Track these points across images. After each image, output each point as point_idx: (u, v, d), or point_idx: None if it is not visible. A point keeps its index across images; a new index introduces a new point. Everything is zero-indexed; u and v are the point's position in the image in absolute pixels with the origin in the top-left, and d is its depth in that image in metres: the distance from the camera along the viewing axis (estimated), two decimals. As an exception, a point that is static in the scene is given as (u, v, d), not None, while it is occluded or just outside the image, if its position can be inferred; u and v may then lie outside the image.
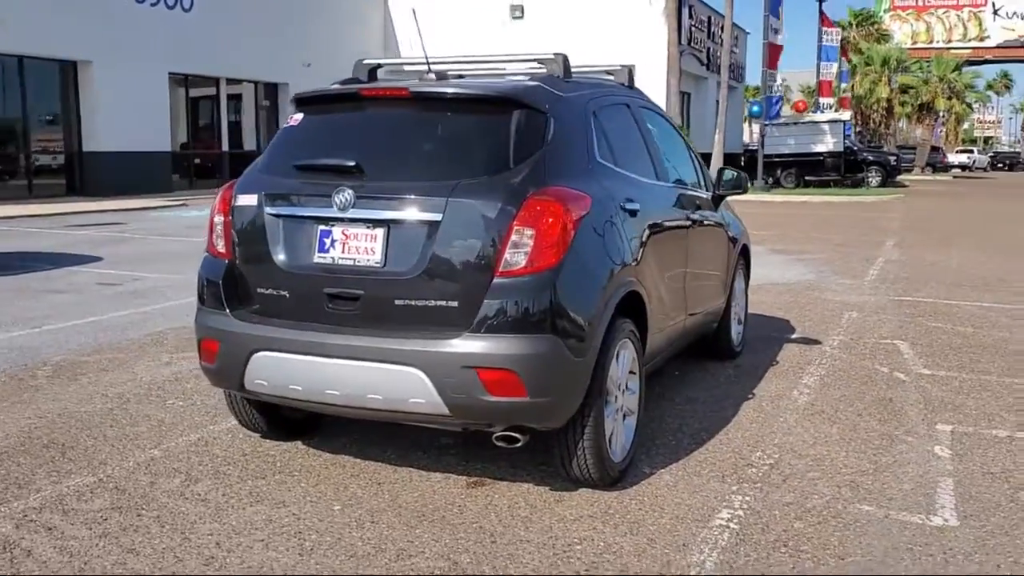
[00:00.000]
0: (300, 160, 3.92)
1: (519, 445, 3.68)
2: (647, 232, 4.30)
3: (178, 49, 24.13)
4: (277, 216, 3.83)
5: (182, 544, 3.38)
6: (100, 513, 3.65)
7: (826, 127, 33.41)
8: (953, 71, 49.78)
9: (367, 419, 4.15)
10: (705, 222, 5.46)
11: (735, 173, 5.80)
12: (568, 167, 3.83)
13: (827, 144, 32.92)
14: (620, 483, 3.98)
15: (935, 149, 52.94)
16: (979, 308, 8.58)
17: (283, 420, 4.46)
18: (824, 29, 39.58)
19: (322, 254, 3.72)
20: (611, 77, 5.07)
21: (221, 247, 4.00)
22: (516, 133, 3.74)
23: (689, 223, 5.14)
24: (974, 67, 57.85)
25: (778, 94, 33.44)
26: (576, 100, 4.17)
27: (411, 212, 3.60)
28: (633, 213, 4.16)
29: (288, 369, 3.72)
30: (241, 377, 3.83)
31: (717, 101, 30.26)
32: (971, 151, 69.49)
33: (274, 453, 4.35)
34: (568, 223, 3.55)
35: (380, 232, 3.63)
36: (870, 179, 33.67)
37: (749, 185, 5.50)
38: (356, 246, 3.66)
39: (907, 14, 71.51)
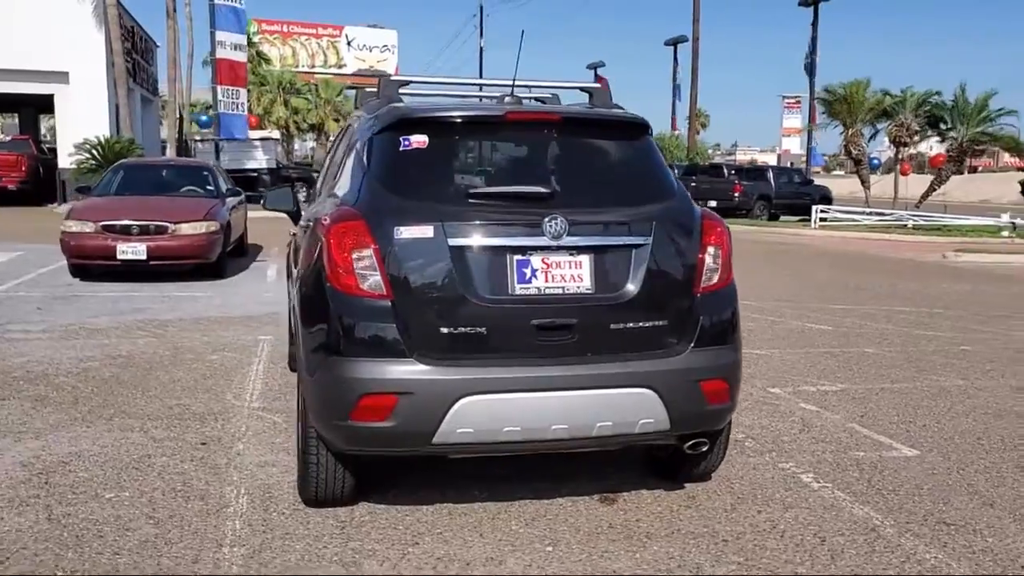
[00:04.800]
0: (475, 188, 3.57)
1: (705, 450, 3.93)
2: None
3: None
4: (461, 247, 3.45)
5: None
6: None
7: (259, 144, 34.10)
8: (338, 95, 54.42)
9: (565, 451, 4.05)
10: None
11: None
12: None
13: (260, 161, 33.61)
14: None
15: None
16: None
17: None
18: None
19: (524, 285, 3.49)
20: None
21: (372, 286, 3.42)
22: (658, 157, 3.97)
23: None
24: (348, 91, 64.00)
25: (241, 112, 33.11)
26: None
27: (619, 237, 3.62)
28: None
29: (505, 411, 3.42)
30: (434, 430, 3.38)
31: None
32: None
33: (368, 518, 3.79)
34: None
35: (585, 258, 3.56)
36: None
37: None
38: (561, 274, 3.53)
39: (274, 38, 75.64)
